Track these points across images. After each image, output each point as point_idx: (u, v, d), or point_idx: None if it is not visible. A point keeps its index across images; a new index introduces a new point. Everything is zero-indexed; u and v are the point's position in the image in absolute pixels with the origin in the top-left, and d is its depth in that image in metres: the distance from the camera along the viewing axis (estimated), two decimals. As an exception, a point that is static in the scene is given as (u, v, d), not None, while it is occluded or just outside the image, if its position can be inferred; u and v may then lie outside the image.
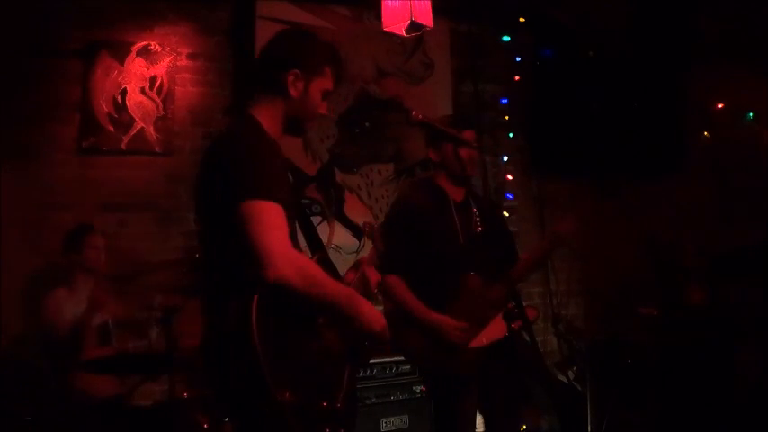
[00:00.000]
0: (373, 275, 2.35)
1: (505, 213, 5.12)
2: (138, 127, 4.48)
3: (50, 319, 3.64)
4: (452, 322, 2.98)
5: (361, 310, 2.06)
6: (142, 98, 4.50)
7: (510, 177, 5.40)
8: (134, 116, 4.47)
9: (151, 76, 4.53)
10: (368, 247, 5.05)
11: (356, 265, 2.42)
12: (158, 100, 4.53)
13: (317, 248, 2.37)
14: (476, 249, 3.10)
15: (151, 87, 4.52)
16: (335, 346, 2.11)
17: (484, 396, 3.12)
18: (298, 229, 2.27)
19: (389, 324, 2.15)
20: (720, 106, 5.04)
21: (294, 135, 2.30)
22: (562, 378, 4.89)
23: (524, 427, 4.23)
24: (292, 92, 2.18)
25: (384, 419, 3.83)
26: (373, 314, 2.10)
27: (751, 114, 4.94)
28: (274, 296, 1.92)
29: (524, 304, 3.10)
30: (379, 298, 3.05)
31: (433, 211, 3.16)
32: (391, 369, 3.93)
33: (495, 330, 3.04)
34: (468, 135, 3.12)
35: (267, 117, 2.19)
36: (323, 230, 4.76)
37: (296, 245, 2.11)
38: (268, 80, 2.21)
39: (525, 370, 3.70)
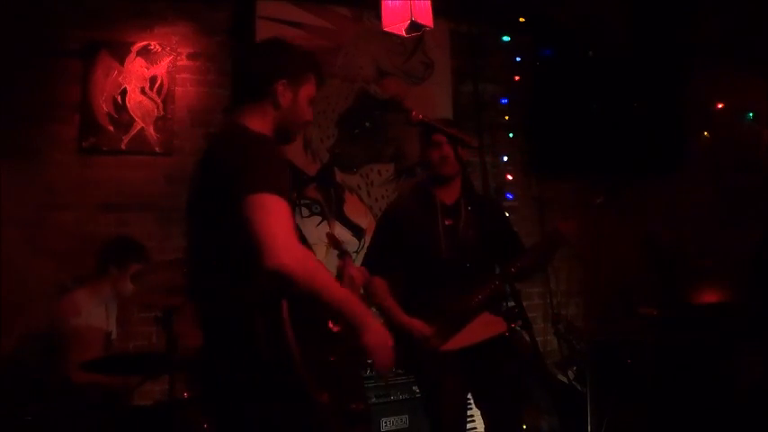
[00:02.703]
0: (358, 275, 2.37)
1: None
2: (138, 127, 4.48)
3: (66, 319, 3.63)
4: (420, 326, 2.98)
5: (365, 320, 2.03)
6: (142, 98, 4.50)
7: (510, 177, 5.40)
8: (134, 116, 4.47)
9: (151, 76, 4.53)
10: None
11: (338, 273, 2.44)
12: (158, 100, 4.53)
13: None
14: (462, 252, 3.10)
15: (151, 87, 4.52)
16: (352, 350, 2.11)
17: (486, 397, 3.12)
18: None
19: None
20: (720, 106, 5.04)
21: (284, 143, 2.30)
22: (562, 378, 4.89)
23: (525, 426, 4.23)
24: (282, 101, 2.20)
25: (384, 419, 3.82)
26: (378, 329, 2.07)
27: (751, 114, 4.94)
28: (296, 300, 1.90)
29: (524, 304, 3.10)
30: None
31: (417, 214, 3.17)
32: (391, 369, 3.93)
33: (472, 333, 3.03)
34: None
35: (257, 125, 2.18)
36: (323, 230, 4.76)
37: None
38: (257, 90, 2.21)
39: (525, 370, 3.70)
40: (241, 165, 1.98)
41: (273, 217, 1.90)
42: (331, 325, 2.11)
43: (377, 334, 2.04)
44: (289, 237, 1.91)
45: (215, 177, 2.04)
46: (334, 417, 1.94)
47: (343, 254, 2.49)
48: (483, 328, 3.03)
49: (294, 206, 4.38)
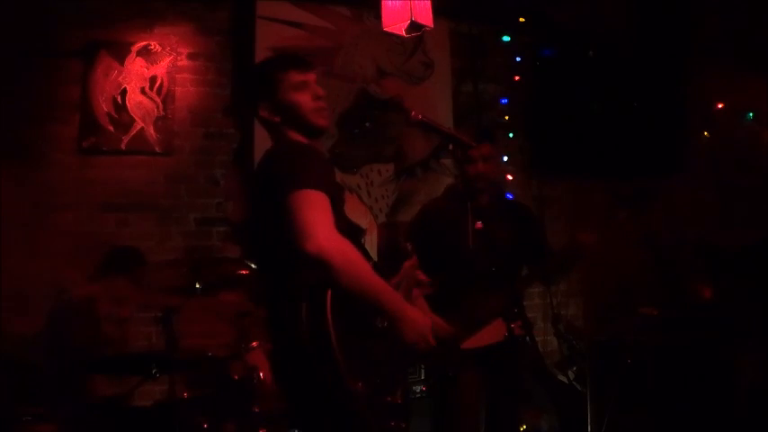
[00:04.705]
0: (423, 278, 2.43)
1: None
2: (138, 127, 4.48)
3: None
4: (442, 324, 2.99)
5: (403, 312, 2.11)
6: (142, 98, 4.50)
7: (510, 177, 5.40)
8: (134, 116, 4.48)
9: (151, 76, 4.53)
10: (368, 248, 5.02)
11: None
12: (158, 100, 4.53)
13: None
14: (492, 254, 3.12)
15: (151, 87, 4.52)
16: (396, 346, 2.16)
17: (487, 396, 3.14)
18: None
19: None
20: (720, 106, 5.04)
21: (315, 137, 2.37)
22: (562, 378, 4.89)
23: (524, 426, 4.24)
24: (276, 119, 2.30)
25: (384, 419, 3.81)
26: (416, 319, 2.13)
27: (751, 114, 4.94)
28: (340, 295, 1.99)
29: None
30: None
31: (450, 216, 3.20)
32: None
33: (491, 334, 3.05)
34: (485, 150, 3.16)
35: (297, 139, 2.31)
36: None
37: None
38: (262, 121, 2.34)
39: (525, 370, 3.71)
40: (283, 167, 2.13)
41: (313, 209, 2.02)
42: (379, 322, 2.17)
43: (414, 325, 2.12)
44: (328, 226, 2.02)
45: (264, 185, 2.18)
46: (368, 406, 2.01)
47: (410, 254, 2.51)
48: (499, 330, 3.05)
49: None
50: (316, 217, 2.00)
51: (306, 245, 1.95)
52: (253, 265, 3.39)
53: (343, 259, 1.99)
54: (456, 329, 3.02)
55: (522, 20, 5.28)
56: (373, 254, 4.86)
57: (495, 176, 3.26)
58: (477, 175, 3.19)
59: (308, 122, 2.31)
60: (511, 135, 5.48)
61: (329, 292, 1.99)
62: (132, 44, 4.50)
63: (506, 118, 5.47)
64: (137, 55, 4.51)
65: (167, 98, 4.55)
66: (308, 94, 2.31)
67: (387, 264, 2.90)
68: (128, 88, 4.47)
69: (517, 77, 5.43)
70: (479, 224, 3.17)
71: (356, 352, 2.03)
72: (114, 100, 4.44)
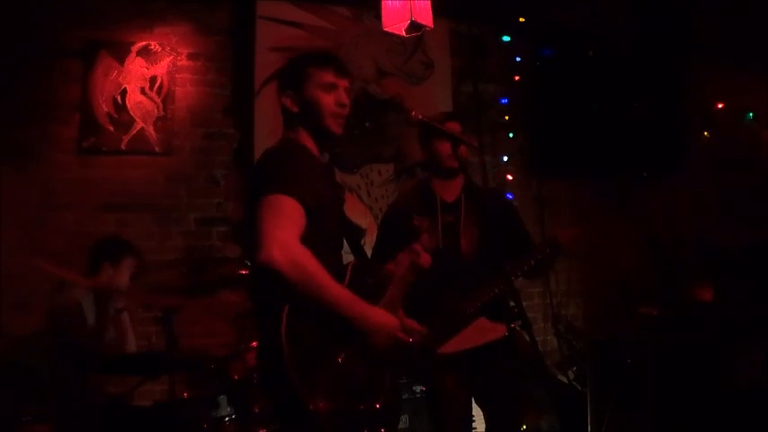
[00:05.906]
0: (423, 258, 2.33)
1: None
2: (138, 127, 4.48)
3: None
4: (415, 326, 2.93)
5: (365, 318, 2.06)
6: (142, 98, 4.50)
7: (510, 177, 5.40)
8: (134, 116, 4.48)
9: (151, 76, 4.53)
10: (368, 248, 5.04)
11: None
12: (158, 100, 4.53)
13: (358, 254, 2.42)
14: (462, 249, 3.05)
15: (151, 87, 4.52)
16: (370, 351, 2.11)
17: (486, 396, 3.11)
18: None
19: None
20: (720, 106, 5.04)
21: (327, 142, 2.34)
22: (562, 378, 4.89)
23: (524, 426, 4.24)
24: (294, 109, 2.28)
25: (384, 419, 3.81)
26: (381, 322, 2.09)
27: (751, 114, 4.94)
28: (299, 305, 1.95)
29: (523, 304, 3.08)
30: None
31: (416, 211, 3.12)
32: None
33: (475, 335, 2.98)
34: (455, 128, 3.05)
35: (297, 137, 2.29)
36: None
37: (330, 249, 2.16)
38: (282, 109, 2.33)
39: (525, 370, 3.70)
40: (266, 169, 2.15)
41: (275, 216, 1.99)
42: (340, 357, 2.10)
43: (380, 328, 2.08)
44: (285, 234, 1.97)
45: (251, 184, 2.19)
46: (331, 423, 1.94)
47: (420, 232, 2.44)
48: (480, 333, 2.99)
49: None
50: (275, 225, 1.96)
51: (258, 254, 1.92)
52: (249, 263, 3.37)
53: (296, 271, 1.93)
54: (431, 333, 2.94)
55: (522, 20, 5.28)
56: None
57: (465, 156, 3.10)
58: (449, 154, 2.98)
59: (323, 125, 2.28)
60: (511, 135, 5.48)
61: (285, 309, 1.94)
62: (132, 44, 4.51)
63: (506, 118, 5.47)
64: (137, 55, 4.51)
65: (167, 98, 4.55)
66: (332, 98, 2.28)
67: (389, 252, 2.87)
68: (128, 88, 4.48)
69: (517, 77, 5.44)
70: (448, 218, 3.12)
71: (321, 367, 1.97)
72: (114, 100, 4.44)
